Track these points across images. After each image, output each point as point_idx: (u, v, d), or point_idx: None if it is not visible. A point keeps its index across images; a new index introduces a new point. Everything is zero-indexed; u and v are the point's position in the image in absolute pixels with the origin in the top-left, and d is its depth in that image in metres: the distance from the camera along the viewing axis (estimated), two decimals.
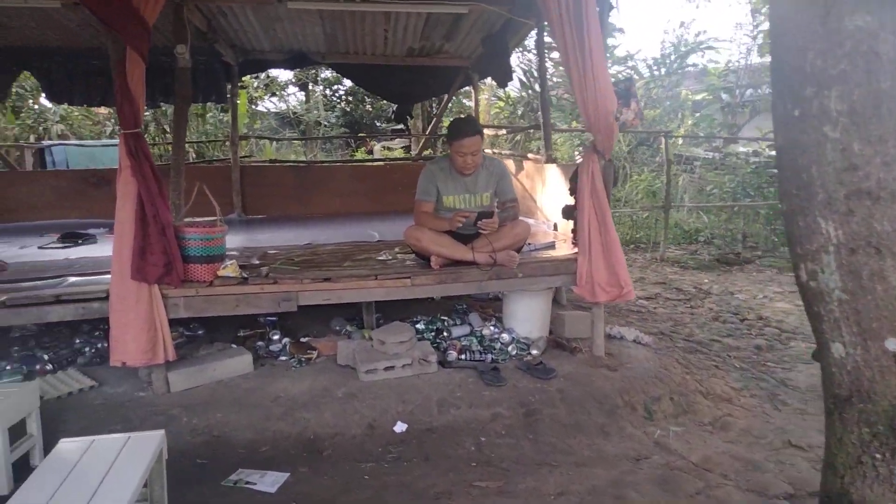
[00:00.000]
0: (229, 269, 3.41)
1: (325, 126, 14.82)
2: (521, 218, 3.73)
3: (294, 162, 8.77)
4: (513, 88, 12.54)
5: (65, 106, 11.46)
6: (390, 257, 4.00)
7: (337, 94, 15.93)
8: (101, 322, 3.71)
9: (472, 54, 6.79)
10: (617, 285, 3.52)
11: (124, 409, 3.17)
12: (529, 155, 6.00)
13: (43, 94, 11.15)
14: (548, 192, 5.06)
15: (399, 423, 3.02)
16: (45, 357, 3.73)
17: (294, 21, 5.52)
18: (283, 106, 16.10)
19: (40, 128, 10.86)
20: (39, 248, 4.97)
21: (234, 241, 4.81)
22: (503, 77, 5.95)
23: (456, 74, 7.25)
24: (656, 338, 4.39)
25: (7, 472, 2.45)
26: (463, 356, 3.54)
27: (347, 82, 15.42)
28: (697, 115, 11.55)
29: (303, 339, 3.94)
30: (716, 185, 9.29)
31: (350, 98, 15.65)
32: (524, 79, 11.78)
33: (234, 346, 3.82)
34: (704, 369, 4.04)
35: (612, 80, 3.51)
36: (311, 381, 3.41)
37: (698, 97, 12.07)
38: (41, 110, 11.21)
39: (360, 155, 13.38)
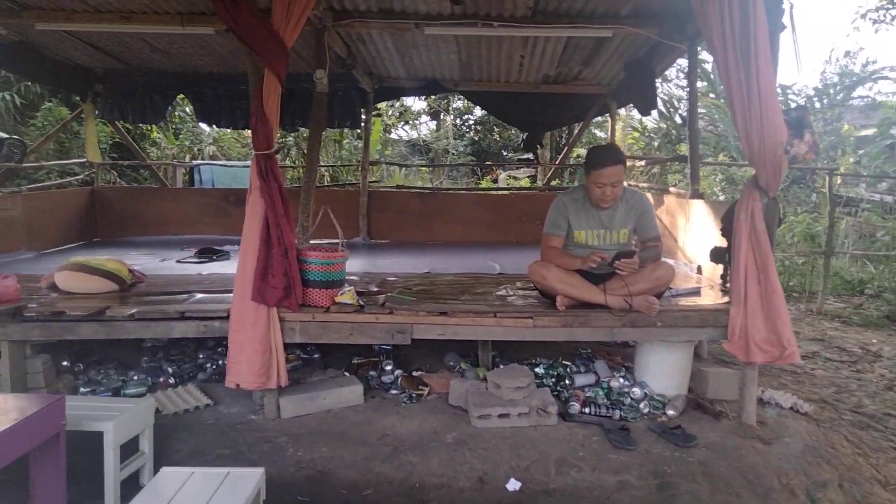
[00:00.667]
0: (347, 295, 3.31)
1: (453, 154, 14.96)
2: (663, 259, 3.33)
3: (420, 188, 8.80)
4: (648, 119, 11.95)
5: (217, 129, 12.45)
6: (511, 293, 3.73)
7: (467, 124, 16.07)
8: (224, 339, 3.75)
9: (611, 81, 6.44)
10: (777, 345, 3.00)
11: (234, 432, 3.13)
12: (671, 188, 5.51)
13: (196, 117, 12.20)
14: (692, 231, 4.56)
15: (512, 480, 2.71)
16: (170, 370, 3.82)
17: (430, 48, 5.50)
18: (414, 134, 16.50)
19: (195, 149, 11.81)
20: (177, 261, 5.22)
21: (356, 264, 4.78)
22: (647, 105, 5.54)
23: (592, 102, 6.92)
24: (817, 406, 3.75)
25: (115, 492, 2.43)
26: (587, 409, 3.18)
27: (478, 112, 15.54)
28: (861, 152, 10.30)
29: (415, 373, 3.75)
30: (886, 231, 8.14)
31: (479, 127, 15.73)
32: (663, 108, 11.17)
33: (346, 373, 3.71)
34: (881, 451, 3.37)
35: (783, 107, 3.05)
36: (421, 421, 3.19)
37: (862, 133, 10.79)
38: (197, 133, 12.21)
39: (485, 183, 13.30)
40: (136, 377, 3.73)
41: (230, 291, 3.67)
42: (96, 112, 6.59)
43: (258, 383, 3.13)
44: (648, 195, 5.47)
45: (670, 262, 3.71)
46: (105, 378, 3.70)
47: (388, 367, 3.77)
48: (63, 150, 9.33)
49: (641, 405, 3.24)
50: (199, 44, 5.46)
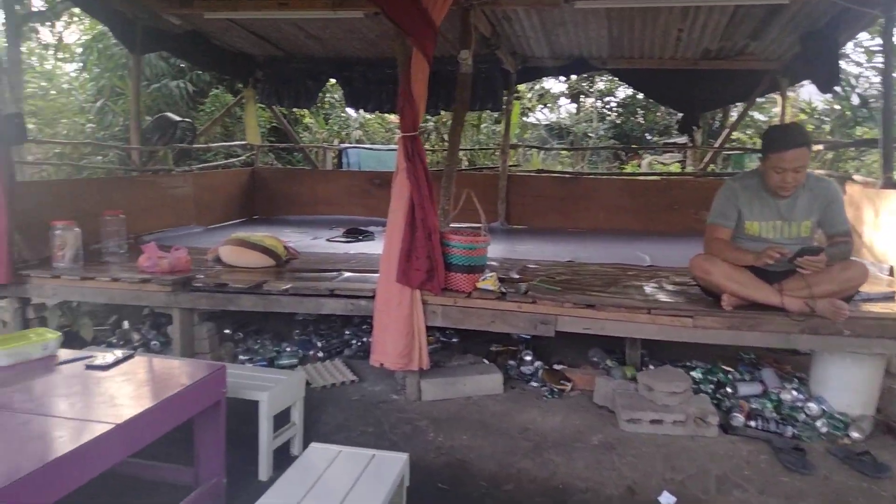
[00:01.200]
0: (489, 281, 3.22)
1: (593, 138, 14.42)
2: (853, 258, 2.89)
3: (560, 172, 8.52)
4: (816, 100, 10.70)
5: (364, 114, 12.92)
6: (664, 287, 3.45)
7: (608, 106, 15.41)
8: (369, 316, 3.83)
9: (782, 55, 5.78)
10: None
11: (378, 410, 3.17)
12: (856, 176, 4.83)
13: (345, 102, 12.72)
14: (883, 226, 3.96)
15: (665, 493, 2.48)
16: (319, 344, 3.97)
17: (578, 24, 5.23)
18: (553, 117, 16.11)
19: (343, 133, 12.34)
20: (327, 240, 5.44)
21: (494, 250, 4.68)
22: (828, 81, 4.91)
23: (759, 79, 6.26)
24: None
25: (269, 460, 2.53)
26: (753, 423, 2.85)
27: (620, 93, 14.83)
28: None
29: (556, 366, 3.59)
30: None
31: (621, 109, 15.02)
32: (838, 87, 9.92)
33: (485, 361, 3.64)
34: None
35: None
36: (564, 418, 3.04)
37: None
38: (346, 118, 12.74)
39: (630, 168, 12.67)
40: (288, 349, 3.91)
41: (376, 272, 3.73)
42: (256, 97, 7.03)
43: (401, 364, 3.14)
44: None
45: (862, 261, 3.23)
46: (261, 348, 3.92)
47: (528, 358, 3.65)
48: (227, 134, 10.13)
49: (818, 423, 2.85)
50: (348, 28, 5.60)
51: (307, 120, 12.07)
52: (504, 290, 3.23)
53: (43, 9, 11.27)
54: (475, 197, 3.32)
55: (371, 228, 5.94)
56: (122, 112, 11.01)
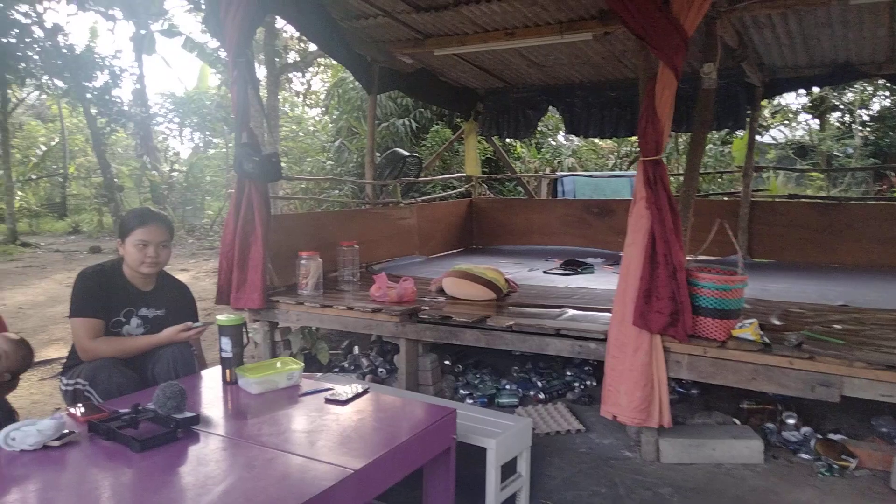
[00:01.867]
0: (748, 329, 2.72)
1: (841, 157, 12.45)
2: None
3: (819, 198, 7.36)
4: None
5: (576, 142, 12.65)
6: None
7: (860, 120, 13.25)
8: (595, 361, 3.52)
9: None
10: None
11: (609, 468, 2.83)
12: None
13: (561, 131, 12.55)
14: None
15: None
16: (539, 384, 3.74)
17: (849, 24, 4.43)
18: (791, 135, 14.31)
19: (555, 161, 12.19)
20: (544, 272, 5.23)
21: None
22: None
23: None
24: None
25: None
26: None
27: (875, 105, 12.68)
28: None
29: (832, 436, 2.93)
30: None
31: (877, 124, 12.80)
32: None
33: (736, 421, 3.11)
34: None
35: None
36: None
37: None
38: (557, 146, 12.60)
39: None
40: (507, 387, 3.75)
41: (602, 310, 3.41)
42: (477, 129, 7.15)
43: (638, 419, 2.77)
44: None
45: None
46: (481, 384, 3.80)
47: (791, 422, 3.05)
48: (445, 167, 10.56)
49: None
50: (573, 52, 5.41)
51: (519, 150, 12.14)
52: (767, 340, 2.71)
53: (297, 59, 12.91)
54: (728, 228, 2.86)
55: (589, 260, 5.61)
56: (355, 150, 12.10)
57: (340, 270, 4.36)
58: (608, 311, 3.29)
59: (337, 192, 11.60)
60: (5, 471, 1.62)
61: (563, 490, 2.66)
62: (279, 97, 13.03)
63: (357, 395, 2.19)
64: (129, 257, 2.49)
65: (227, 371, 2.32)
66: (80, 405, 2.01)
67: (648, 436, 2.87)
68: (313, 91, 16.89)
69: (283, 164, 4.25)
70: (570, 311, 3.49)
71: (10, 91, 13.15)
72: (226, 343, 2.32)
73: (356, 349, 4.42)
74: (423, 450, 1.93)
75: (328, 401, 2.14)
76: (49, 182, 20.85)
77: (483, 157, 10.87)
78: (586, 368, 3.98)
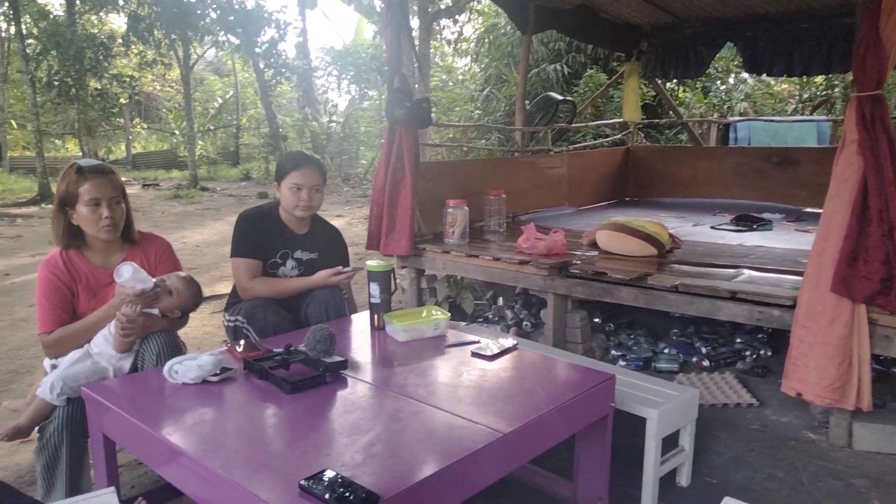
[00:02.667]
0: None
1: None
2: None
3: None
4: None
5: (751, 84, 11.34)
6: None
7: None
8: (773, 328, 3.10)
9: None
10: None
11: (788, 450, 2.48)
12: None
13: (732, 73, 11.30)
14: None
15: None
16: (703, 351, 3.39)
17: None
18: None
19: (724, 106, 11.05)
20: (712, 227, 4.72)
21: None
22: None
23: None
24: None
25: (654, 489, 2.12)
26: None
27: None
28: None
29: None
30: None
31: None
32: None
33: None
34: None
35: None
36: None
37: None
38: (727, 89, 11.39)
39: None
40: (666, 350, 3.44)
41: (788, 272, 2.97)
42: (639, 70, 6.57)
43: (829, 399, 2.38)
44: None
45: None
46: (636, 345, 3.53)
47: None
48: (597, 114, 9.96)
49: None
50: None
51: (682, 95, 11.14)
52: None
53: (449, 4, 12.74)
54: None
55: (766, 216, 4.98)
56: (504, 98, 11.81)
57: (487, 220, 4.22)
58: (795, 273, 2.87)
59: (484, 141, 11.46)
60: (169, 402, 1.68)
61: (732, 469, 2.37)
62: (430, 46, 13.02)
63: (505, 351, 2.06)
64: (284, 200, 2.52)
65: (376, 316, 2.29)
66: (240, 341, 2.07)
67: (840, 418, 2.46)
68: (464, 38, 16.69)
69: (432, 113, 4.15)
70: (747, 272, 3.07)
71: (191, 47, 14.34)
72: (374, 289, 2.28)
73: (501, 300, 4.30)
74: (577, 417, 1.76)
75: (475, 354, 2.03)
76: (224, 132, 22.88)
77: (641, 103, 10.10)
78: (760, 336, 3.54)
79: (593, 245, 3.74)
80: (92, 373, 1.94)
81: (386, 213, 3.84)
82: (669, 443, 2.26)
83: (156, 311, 2.05)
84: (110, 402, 1.66)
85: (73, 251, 2.08)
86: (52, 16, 10.40)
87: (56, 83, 10.24)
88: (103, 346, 1.98)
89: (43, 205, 11.69)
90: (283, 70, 13.81)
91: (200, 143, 20.37)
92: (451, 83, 16.06)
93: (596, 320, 3.81)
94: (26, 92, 10.83)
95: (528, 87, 9.19)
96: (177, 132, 20.45)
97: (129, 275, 1.89)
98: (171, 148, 21.91)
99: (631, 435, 2.14)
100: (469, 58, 16.96)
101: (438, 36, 17.68)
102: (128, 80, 12.48)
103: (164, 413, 1.62)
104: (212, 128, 21.80)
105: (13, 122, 17.63)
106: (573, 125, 6.67)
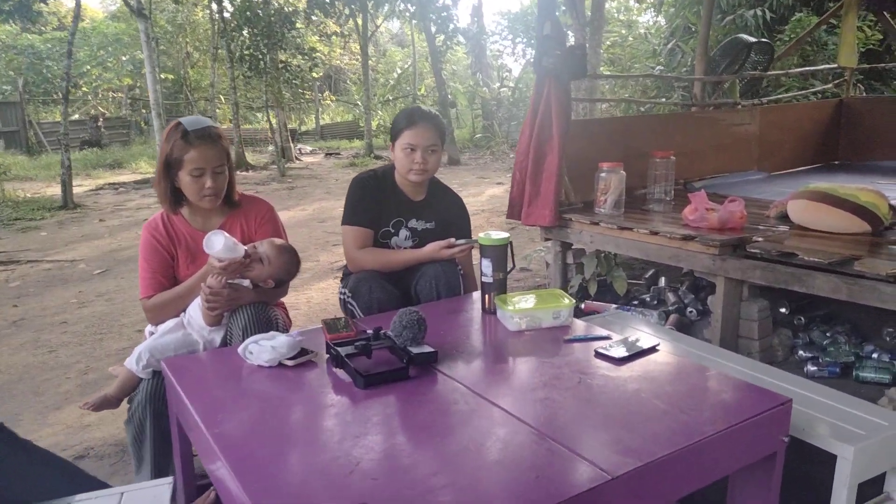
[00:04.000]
0: None
1: None
2: None
3: None
4: None
5: None
6: None
7: None
8: None
9: None
10: None
11: None
12: None
13: None
14: None
15: None
16: None
17: None
18: None
19: None
20: None
21: None
22: None
23: None
24: None
25: None
26: None
27: None
28: None
29: None
30: None
31: None
32: None
33: None
34: None
35: None
36: None
37: None
38: None
39: None
40: (875, 355, 2.70)
41: None
42: (861, 3, 5.33)
43: None
44: None
45: None
46: (833, 346, 2.81)
47: None
48: (806, 64, 8.46)
49: None
50: None
51: None
52: None
53: None
54: None
55: None
56: (690, 51, 10.57)
57: (650, 187, 3.65)
58: None
59: (664, 99, 10.38)
60: (227, 387, 1.52)
61: None
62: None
63: (639, 353, 1.62)
64: (397, 163, 2.26)
65: (486, 297, 1.96)
66: (341, 318, 1.88)
67: None
68: None
69: (605, 72, 3.65)
70: None
71: (369, 16, 14.76)
72: (486, 266, 1.94)
73: (662, 280, 3.73)
74: (730, 455, 1.29)
75: (599, 355, 1.62)
76: (403, 102, 23.61)
77: (862, 49, 8.40)
78: None
79: (783, 218, 3.05)
80: (181, 345, 1.85)
81: (529, 179, 3.45)
82: (869, 489, 1.68)
83: (246, 283, 1.91)
84: (175, 380, 1.53)
85: (176, 215, 2.01)
86: None
87: (247, 57, 11.10)
88: (196, 317, 1.89)
89: (238, 171, 12.91)
90: (453, 34, 13.68)
91: (379, 112, 21.23)
92: (630, 38, 14.84)
93: (781, 310, 3.13)
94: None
95: (720, 37, 8.06)
96: (359, 103, 21.49)
97: (221, 245, 1.75)
98: (354, 119, 23.11)
99: (810, 475, 1.60)
100: (651, 12, 15.55)
101: None
102: (309, 52, 13.17)
103: (216, 401, 1.44)
104: (390, 98, 22.59)
105: (221, 96, 19.70)
106: (769, 73, 5.64)
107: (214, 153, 1.89)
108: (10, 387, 3.02)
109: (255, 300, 1.89)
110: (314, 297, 4.26)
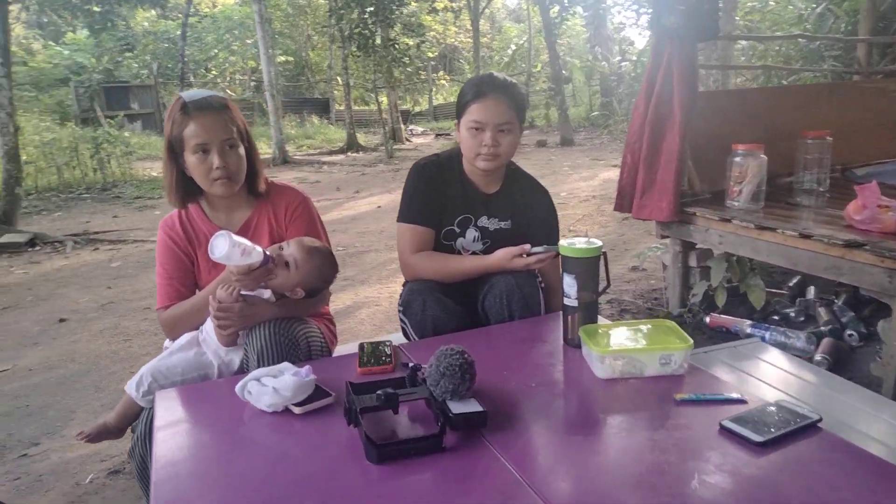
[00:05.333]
0: None
1: None
2: None
3: None
4: None
5: None
6: None
7: None
8: None
9: None
10: None
11: None
12: None
13: None
14: None
15: None
16: None
17: None
18: None
19: None
20: None
21: None
22: None
23: None
24: None
25: None
26: None
27: None
28: None
29: None
30: None
31: None
32: None
33: None
34: None
35: None
36: None
37: None
38: None
39: None
40: None
41: None
42: None
43: None
44: None
45: None
46: None
47: None
48: None
49: None
50: None
51: None
52: None
53: None
54: None
55: None
56: (844, 14, 9.13)
57: (798, 175, 2.94)
58: None
59: (808, 74, 9.05)
60: (234, 436, 1.16)
61: None
62: None
63: (790, 433, 1.08)
64: (463, 145, 1.81)
65: (569, 324, 1.48)
66: (385, 343, 1.49)
67: None
68: None
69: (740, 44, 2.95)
70: None
71: None
72: (569, 284, 1.46)
73: (811, 291, 3.02)
74: None
75: (727, 431, 1.09)
76: (517, 80, 22.90)
77: None
78: None
79: None
80: (192, 367, 1.53)
81: (643, 163, 2.88)
82: None
83: (267, 294, 1.55)
84: (159, 420, 1.20)
85: (193, 207, 1.69)
86: None
87: (356, 36, 10.98)
88: (212, 334, 1.56)
89: (349, 153, 12.95)
90: (567, 3, 12.80)
91: None
92: (771, 2, 13.23)
93: None
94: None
95: None
96: None
97: (225, 250, 1.39)
98: None
99: None
100: None
101: None
102: (417, 29, 12.86)
103: (188, 461, 1.08)
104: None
105: (339, 78, 20.02)
106: None
107: (220, 124, 1.54)
108: (76, 379, 2.93)
109: (277, 315, 1.53)
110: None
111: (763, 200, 2.70)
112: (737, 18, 10.67)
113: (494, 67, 22.53)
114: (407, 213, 1.83)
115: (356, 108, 20.25)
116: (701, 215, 2.75)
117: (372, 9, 10.76)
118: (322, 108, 21.25)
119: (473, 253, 1.87)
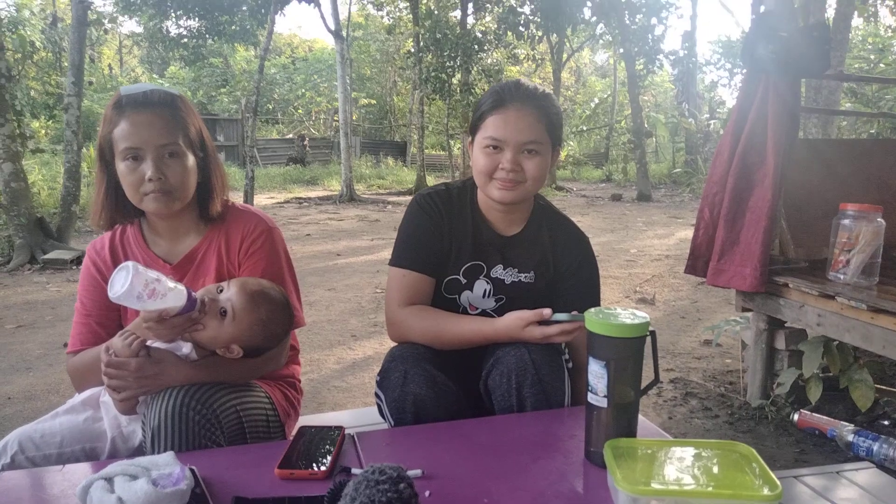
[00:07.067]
0: None
1: None
2: None
3: None
4: None
5: None
6: None
7: None
8: None
9: None
10: None
11: None
12: None
13: None
14: None
15: None
16: None
17: None
18: None
19: None
20: None
21: None
22: None
23: None
24: None
25: None
26: None
27: None
28: None
29: None
30: None
31: None
32: None
33: None
34: None
35: None
36: None
37: None
38: None
39: None
40: None
41: None
42: None
43: None
44: None
45: None
46: None
47: None
48: None
49: None
50: None
51: None
52: None
53: None
54: None
55: None
56: None
57: None
58: None
59: None
60: None
61: None
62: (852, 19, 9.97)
63: None
64: (475, 169, 1.39)
65: (593, 432, 1.01)
66: (332, 430, 1.08)
67: None
68: None
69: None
70: None
71: (565, 41, 14.00)
72: (597, 373, 1.00)
73: None
74: None
75: None
76: (598, 134, 22.46)
77: None
78: None
79: None
80: (77, 437, 1.17)
81: (724, 219, 2.37)
82: None
83: (185, 349, 1.16)
84: None
85: (132, 230, 1.35)
86: (434, 13, 11.11)
87: (433, 78, 10.94)
88: (111, 399, 1.19)
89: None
90: (657, 58, 12.36)
91: (571, 143, 20.28)
92: (882, 64, 12.31)
93: None
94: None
95: None
96: None
97: (125, 288, 1.02)
98: None
99: None
100: None
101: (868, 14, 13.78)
102: (495, 74, 12.72)
103: None
104: (584, 128, 21.58)
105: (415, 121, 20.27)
106: None
107: (159, 125, 1.20)
108: None
109: (193, 380, 1.14)
110: None
111: (878, 275, 2.13)
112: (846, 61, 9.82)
113: (576, 120, 22.18)
114: (400, 255, 1.42)
115: (432, 152, 20.35)
116: (795, 288, 2.20)
117: (450, 52, 10.72)
118: (399, 150, 21.56)
119: (483, 312, 1.43)
